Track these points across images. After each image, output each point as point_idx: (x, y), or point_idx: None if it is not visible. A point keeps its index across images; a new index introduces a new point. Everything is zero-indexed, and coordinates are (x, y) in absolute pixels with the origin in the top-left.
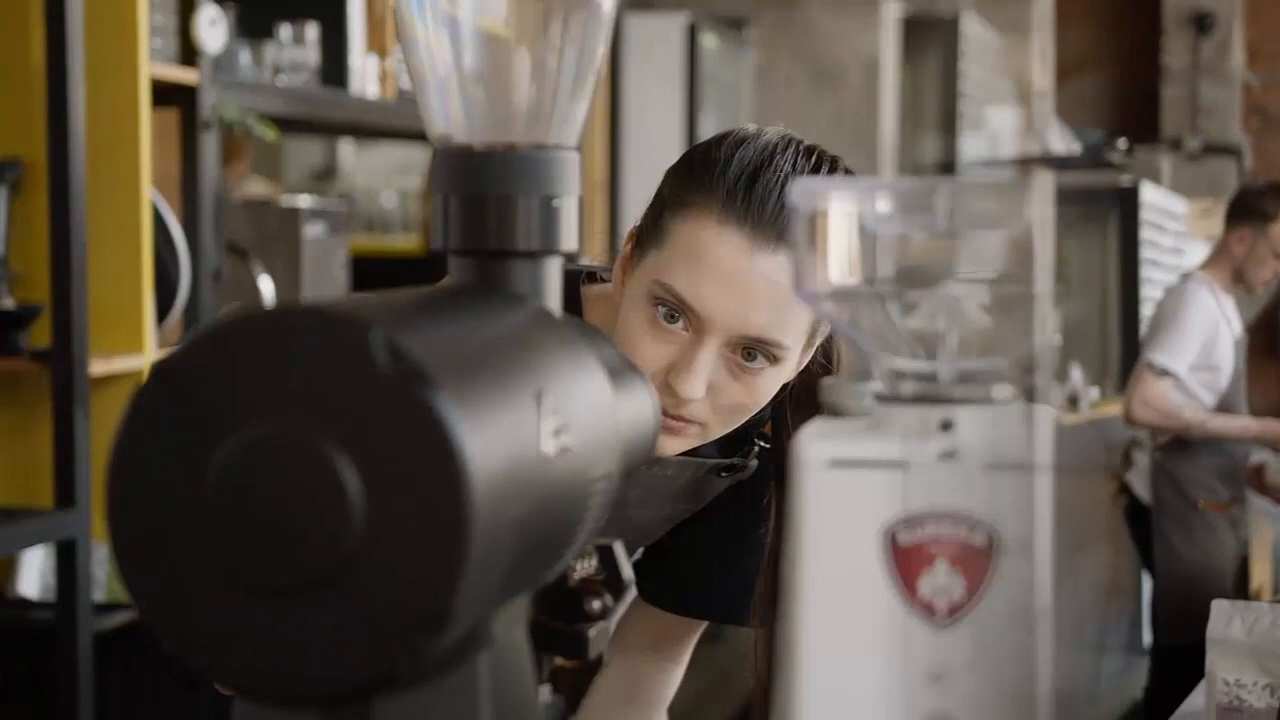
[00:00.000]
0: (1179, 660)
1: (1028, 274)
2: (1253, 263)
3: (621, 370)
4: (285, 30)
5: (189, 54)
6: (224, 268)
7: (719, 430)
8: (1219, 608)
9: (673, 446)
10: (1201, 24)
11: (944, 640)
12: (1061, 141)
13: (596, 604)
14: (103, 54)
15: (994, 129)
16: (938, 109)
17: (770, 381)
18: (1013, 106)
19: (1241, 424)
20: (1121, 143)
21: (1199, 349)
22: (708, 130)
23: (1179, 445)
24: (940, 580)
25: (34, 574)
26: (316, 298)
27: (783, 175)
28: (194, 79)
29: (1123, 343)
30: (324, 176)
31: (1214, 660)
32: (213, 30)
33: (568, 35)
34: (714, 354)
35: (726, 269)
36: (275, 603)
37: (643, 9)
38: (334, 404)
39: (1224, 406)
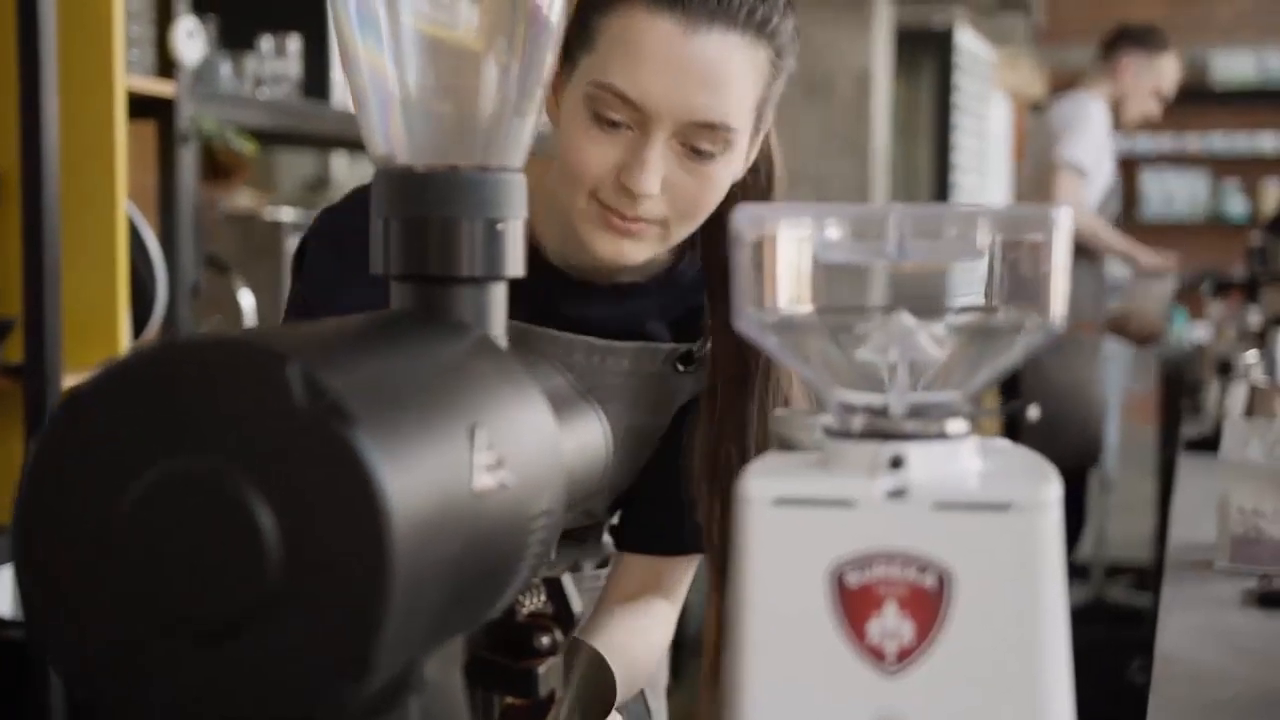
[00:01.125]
0: None
1: (865, 106)
2: (1134, 96)
3: (570, 401)
4: (266, 42)
5: (167, 66)
6: (202, 282)
7: (679, 230)
8: (1233, 426)
9: (635, 252)
10: None
11: (893, 686)
12: None
13: (546, 640)
14: (78, 65)
15: None
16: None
17: (723, 171)
18: None
19: (1129, 242)
20: None
21: (1095, 156)
22: None
23: None
24: (889, 624)
25: (6, 592)
26: (247, 327)
27: None
28: (171, 91)
29: (935, 189)
30: (316, 188)
31: (1228, 486)
32: (191, 42)
33: (513, 51)
34: (663, 146)
35: (663, 55)
36: (187, 645)
37: None
38: (250, 440)
39: None
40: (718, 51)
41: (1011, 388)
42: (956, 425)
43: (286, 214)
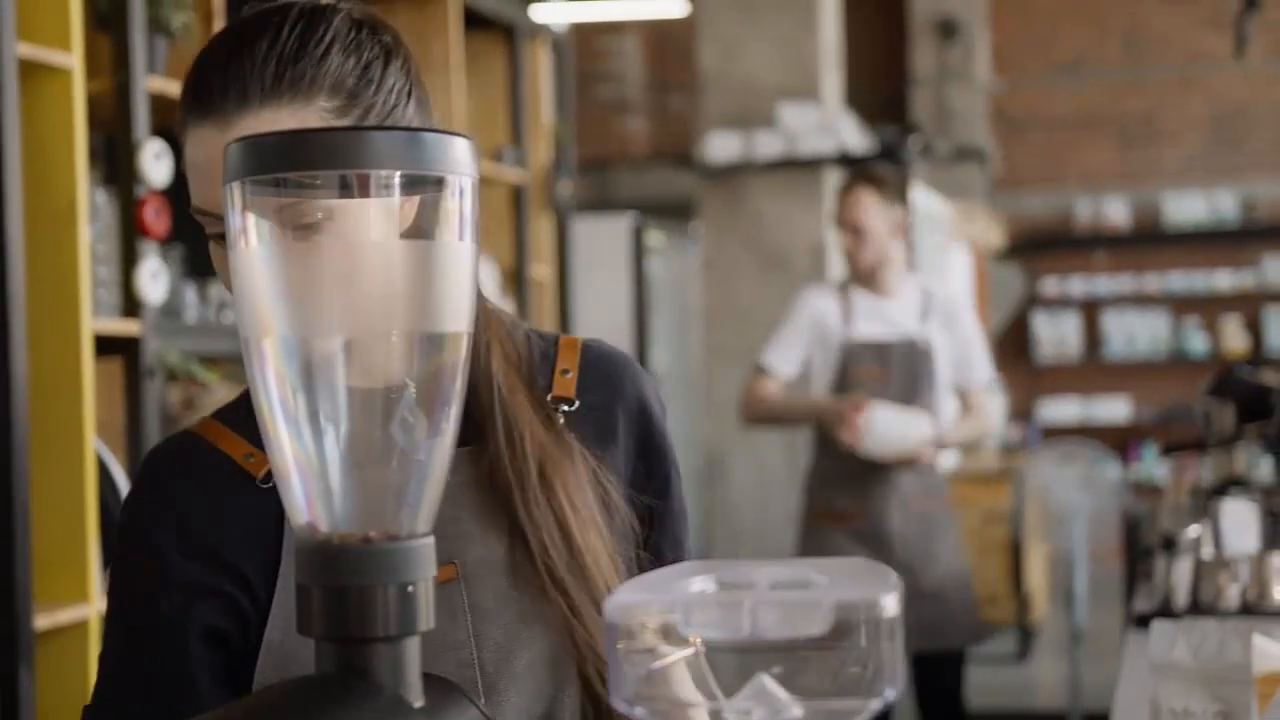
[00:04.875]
0: None
1: (821, 278)
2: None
3: None
4: None
5: (132, 305)
6: None
7: None
8: (1160, 629)
9: None
10: (946, 30)
11: None
12: (856, 138)
13: None
14: (46, 310)
15: (789, 127)
16: None
17: (351, 234)
18: (805, 103)
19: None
20: (914, 140)
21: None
22: (657, 325)
23: None
24: None
25: None
26: None
27: (234, 38)
28: (137, 330)
29: None
30: None
31: (1158, 687)
32: (154, 282)
33: (416, 431)
34: None
35: (204, 159)
36: None
37: (593, 210)
38: None
39: None
40: (255, 131)
41: None
42: None
43: None
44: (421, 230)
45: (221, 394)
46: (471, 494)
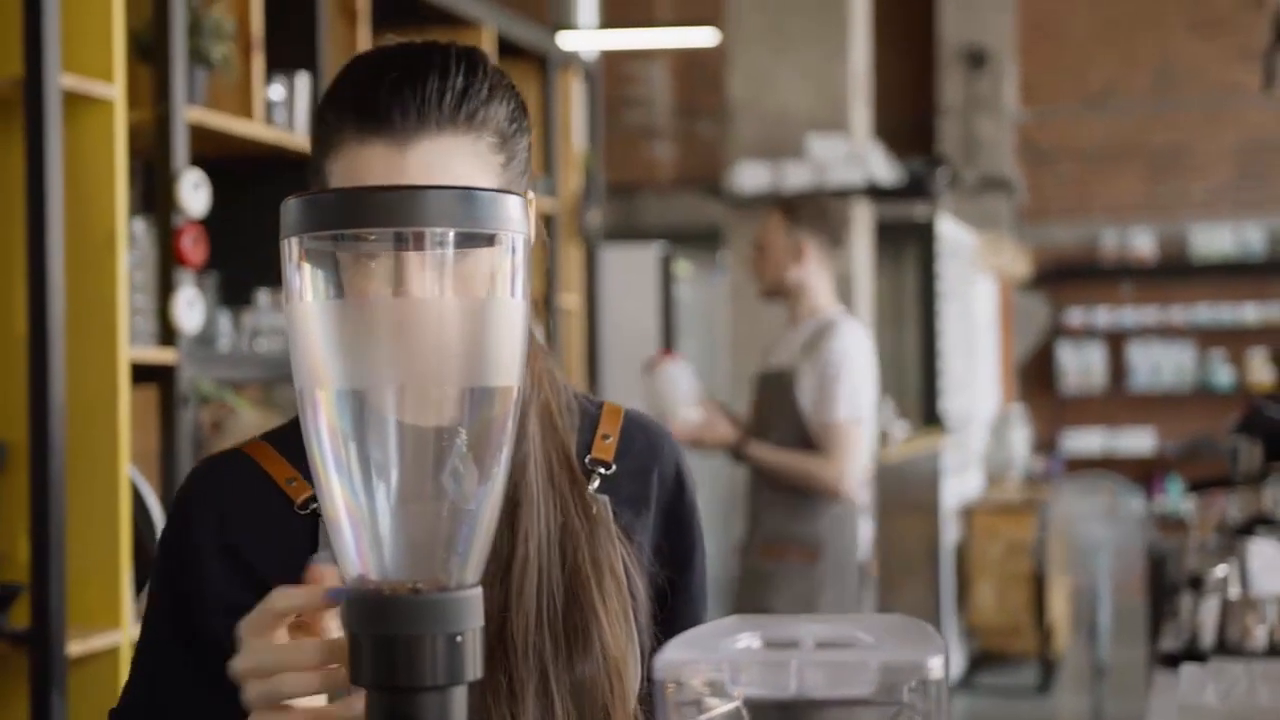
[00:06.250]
0: None
1: (849, 309)
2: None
3: None
4: (264, 296)
5: (168, 334)
6: None
7: None
8: (1190, 672)
9: None
10: (975, 60)
11: None
12: (885, 169)
13: None
14: (84, 337)
15: (818, 158)
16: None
17: (485, 265)
18: (834, 134)
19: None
20: (943, 173)
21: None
22: (685, 353)
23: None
24: None
25: None
26: None
27: (403, 62)
28: (173, 359)
29: (923, 376)
30: None
31: None
32: (190, 311)
33: (467, 487)
34: None
35: (382, 178)
36: None
37: (619, 237)
38: None
39: None
40: (434, 156)
41: None
42: None
43: None
44: (474, 286)
45: (249, 419)
46: None
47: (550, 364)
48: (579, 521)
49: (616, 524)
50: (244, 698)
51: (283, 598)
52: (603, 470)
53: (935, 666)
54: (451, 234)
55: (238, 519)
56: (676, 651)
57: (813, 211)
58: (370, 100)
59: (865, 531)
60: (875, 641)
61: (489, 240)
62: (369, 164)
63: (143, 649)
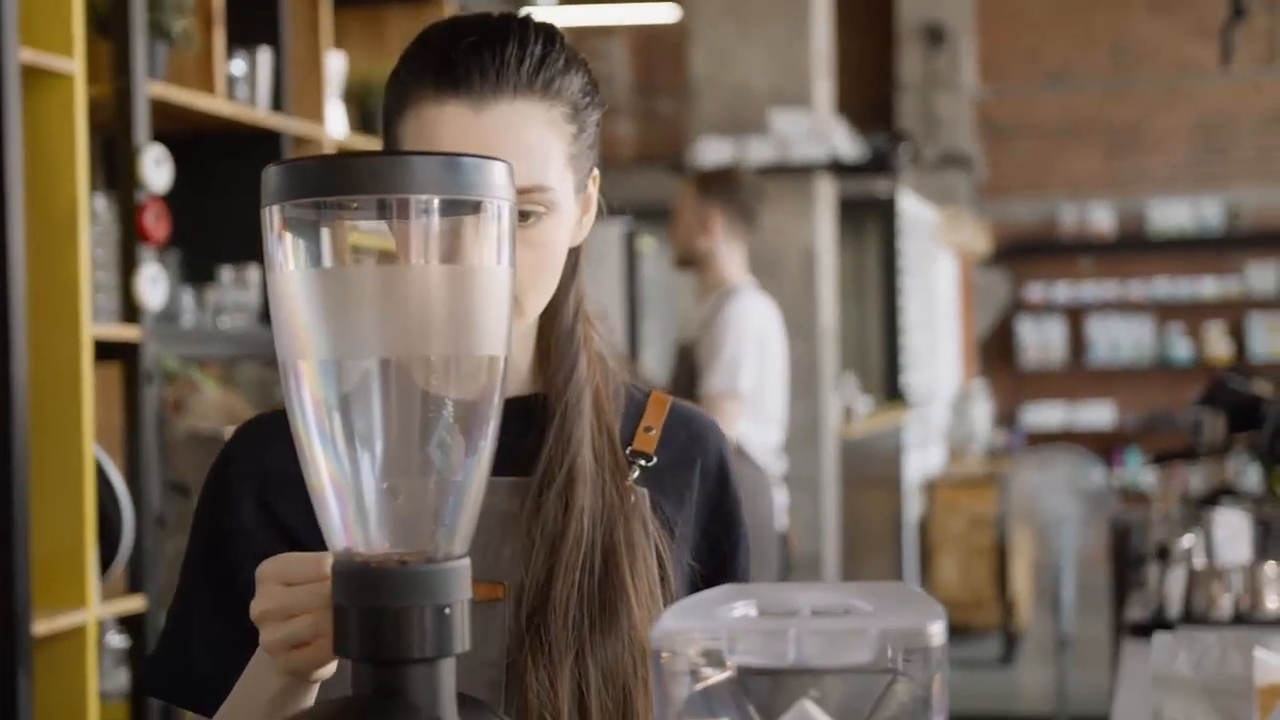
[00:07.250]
0: None
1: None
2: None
3: None
4: (227, 273)
5: (132, 310)
6: (166, 512)
7: (534, 303)
8: (1161, 641)
9: None
10: (934, 37)
11: None
12: (847, 145)
13: None
14: (46, 316)
15: (781, 134)
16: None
17: (554, 233)
18: (797, 110)
19: None
20: (905, 148)
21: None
22: (650, 329)
23: None
24: None
25: None
26: None
27: (481, 28)
28: (136, 335)
29: (885, 352)
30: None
31: (1160, 699)
32: (154, 288)
33: (454, 460)
34: None
35: (459, 137)
36: None
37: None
38: None
39: None
40: (509, 119)
41: None
42: None
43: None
44: (459, 254)
45: (213, 396)
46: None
47: (604, 348)
48: (617, 505)
49: (657, 516)
50: (261, 640)
51: (299, 567)
52: (643, 462)
53: (935, 633)
54: (436, 201)
55: (276, 477)
56: (673, 621)
57: (723, 184)
58: (449, 61)
59: (780, 500)
60: (873, 609)
61: (474, 207)
62: (444, 124)
63: (177, 598)
